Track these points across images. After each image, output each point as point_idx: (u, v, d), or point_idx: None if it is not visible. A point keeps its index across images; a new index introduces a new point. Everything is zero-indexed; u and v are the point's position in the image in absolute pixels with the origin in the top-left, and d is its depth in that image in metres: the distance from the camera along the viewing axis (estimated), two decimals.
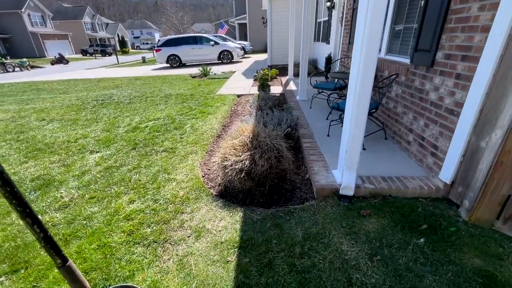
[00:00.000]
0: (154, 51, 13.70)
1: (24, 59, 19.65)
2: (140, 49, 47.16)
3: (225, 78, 8.90)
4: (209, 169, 3.11)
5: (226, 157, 2.49)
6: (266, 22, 11.91)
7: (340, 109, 3.10)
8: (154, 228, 2.11)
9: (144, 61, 18.97)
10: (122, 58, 25.40)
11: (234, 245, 1.90)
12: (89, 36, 43.49)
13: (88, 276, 1.70)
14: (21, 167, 3.21)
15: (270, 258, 1.76)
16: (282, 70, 9.26)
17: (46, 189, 2.71)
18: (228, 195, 2.55)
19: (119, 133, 4.19)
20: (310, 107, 4.56)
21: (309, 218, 2.10)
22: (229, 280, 1.63)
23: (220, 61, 13.53)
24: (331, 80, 4.67)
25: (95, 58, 29.33)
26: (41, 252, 1.91)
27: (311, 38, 4.77)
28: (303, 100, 5.08)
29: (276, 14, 9.84)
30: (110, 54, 31.93)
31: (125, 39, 43.87)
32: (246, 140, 2.49)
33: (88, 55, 33.22)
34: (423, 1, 2.55)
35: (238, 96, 6.37)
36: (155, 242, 1.97)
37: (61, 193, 2.64)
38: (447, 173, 2.16)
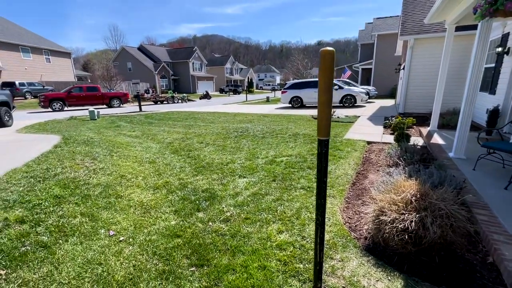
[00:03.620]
0: (281, 92, 15.29)
1: (185, 94, 26.38)
2: (263, 89, 54.32)
3: (350, 122, 8.79)
4: (349, 218, 3.01)
5: (383, 212, 2.35)
6: (400, 69, 11.26)
7: None
8: (307, 266, 2.17)
9: (268, 100, 21.55)
10: (249, 97, 29.89)
11: None
12: (227, 78, 54.24)
13: None
14: (194, 179, 4.13)
15: None
16: (418, 119, 8.28)
17: (212, 201, 3.34)
18: (378, 253, 2.34)
19: (259, 164, 4.76)
20: (474, 169, 3.76)
21: None
22: None
23: (341, 105, 13.62)
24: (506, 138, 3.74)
25: (229, 96, 35.91)
26: (216, 256, 2.30)
27: (478, 86, 4.08)
28: (459, 159, 4.28)
29: (417, 60, 9.17)
30: (239, 93, 38.42)
31: (253, 80, 51.88)
32: (410, 197, 2.28)
33: (224, 92, 41.20)
34: None
35: (369, 143, 6.08)
36: (310, 281, 2.01)
37: (223, 208, 3.19)
38: None
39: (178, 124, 10.06)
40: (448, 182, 2.97)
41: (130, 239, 2.44)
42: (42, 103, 16.37)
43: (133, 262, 2.15)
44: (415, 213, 2.15)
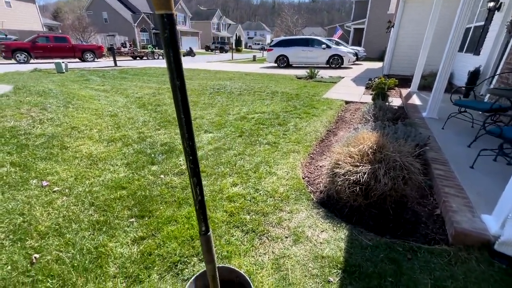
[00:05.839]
0: (266, 51, 14.45)
1: None
2: (252, 48, 51.49)
3: (332, 82, 8.48)
4: (310, 173, 2.92)
5: (338, 164, 2.23)
6: (390, 26, 10.68)
7: (505, 136, 2.31)
8: (253, 217, 2.09)
9: (254, 59, 20.51)
10: (236, 56, 28.32)
11: (337, 265, 1.64)
12: (213, 34, 50.66)
13: (193, 243, 1.80)
14: (155, 133, 3.87)
15: None
16: (401, 81, 8.07)
17: (170, 155, 3.15)
18: (331, 206, 2.28)
19: (229, 120, 4.52)
20: (443, 128, 3.69)
21: (441, 267, 1.61)
22: None
23: (328, 66, 13.09)
24: (482, 98, 3.63)
25: (215, 54, 33.88)
26: (160, 207, 2.17)
27: (457, 47, 3.82)
28: (431, 118, 4.19)
29: (408, 16, 8.62)
30: (226, 51, 36.25)
31: (241, 38, 48.81)
32: (367, 150, 2.16)
33: (209, 50, 38.77)
34: None
35: (347, 102, 5.90)
36: (253, 231, 1.94)
37: (180, 161, 3.01)
38: None
39: (153, 79, 9.41)
40: (412, 138, 2.88)
41: (66, 190, 2.25)
42: (3, 54, 14.78)
43: (64, 213, 1.98)
44: (369, 165, 2.04)
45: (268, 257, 1.72)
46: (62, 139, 3.13)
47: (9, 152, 2.56)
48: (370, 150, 2.14)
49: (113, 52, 14.66)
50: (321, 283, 1.53)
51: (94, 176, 2.55)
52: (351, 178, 2.06)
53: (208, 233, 0.80)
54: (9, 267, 1.48)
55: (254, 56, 21.14)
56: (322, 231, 1.95)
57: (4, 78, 8.08)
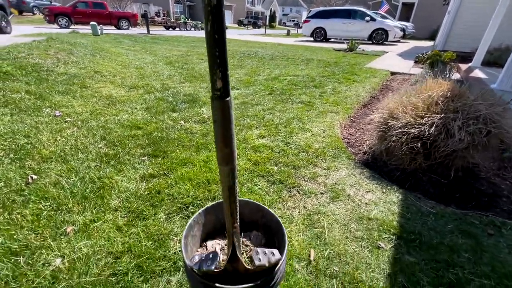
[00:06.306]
0: (302, 23, 13.49)
1: (199, 22, 24.18)
2: (286, 25, 49.18)
3: (376, 55, 7.60)
4: (350, 135, 2.48)
5: (393, 116, 1.78)
6: None
7: None
8: (282, 168, 1.74)
9: (288, 34, 19.43)
10: (269, 31, 27.14)
11: (389, 230, 1.26)
12: (247, 9, 48.90)
13: (209, 186, 1.52)
14: (180, 85, 3.61)
15: (458, 276, 1.03)
16: (458, 58, 6.98)
17: (192, 104, 2.87)
18: (377, 168, 1.86)
19: (258, 79, 4.13)
20: None
21: None
22: (380, 274, 1.04)
23: (370, 41, 11.87)
24: None
25: (247, 29, 32.79)
26: (177, 150, 1.91)
27: None
28: (503, 91, 3.44)
29: None
30: (259, 27, 34.93)
31: (276, 14, 46.69)
32: (436, 98, 1.67)
33: (242, 25, 37.61)
34: None
35: (393, 73, 5.18)
36: (281, 183, 1.60)
37: (203, 111, 2.72)
38: None
39: (182, 45, 9.18)
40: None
41: (79, 122, 2.06)
42: (47, 18, 15.43)
43: (72, 142, 1.79)
44: (439, 116, 1.57)
45: (299, 212, 1.38)
46: (84, 79, 2.98)
47: (27, 82, 2.43)
48: (441, 98, 1.66)
49: (146, 19, 14.60)
50: (368, 247, 1.17)
51: (110, 114, 2.35)
52: (412, 132, 1.61)
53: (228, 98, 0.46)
54: (2, 183, 1.30)
55: (288, 31, 20.06)
56: (367, 192, 1.56)
57: (44, 35, 8.32)
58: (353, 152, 2.12)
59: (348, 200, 1.48)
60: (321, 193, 1.53)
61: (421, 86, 1.93)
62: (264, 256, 0.66)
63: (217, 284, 0.62)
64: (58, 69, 3.01)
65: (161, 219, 1.28)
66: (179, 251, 1.12)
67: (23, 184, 1.33)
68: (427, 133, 1.55)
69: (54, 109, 2.13)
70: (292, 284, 0.99)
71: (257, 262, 0.65)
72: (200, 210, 0.85)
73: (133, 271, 1.02)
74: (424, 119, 1.60)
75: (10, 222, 1.13)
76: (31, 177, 1.37)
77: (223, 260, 0.74)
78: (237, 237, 0.65)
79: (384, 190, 1.57)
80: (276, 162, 1.81)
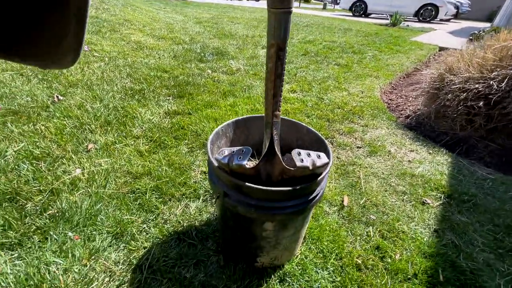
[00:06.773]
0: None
1: None
2: (321, 1, 46.10)
3: (422, 31, 6.85)
4: (391, 100, 2.23)
5: (451, 71, 1.52)
6: None
7: None
8: (314, 120, 1.59)
9: (324, 7, 18.16)
10: (303, 5, 25.59)
11: (436, 188, 1.10)
12: None
13: None
14: (209, 41, 3.45)
15: None
16: None
17: (220, 57, 2.73)
18: (421, 132, 1.65)
19: (292, 42, 3.86)
20: None
21: None
22: (425, 228, 0.90)
23: (416, 18, 10.72)
24: None
25: None
26: (203, 94, 1.81)
27: None
28: None
29: None
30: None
31: None
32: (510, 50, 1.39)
33: None
34: None
35: (441, 49, 4.63)
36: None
37: (231, 63, 2.57)
38: None
39: (213, 9, 8.86)
40: None
41: (106, 59, 2.01)
42: None
43: (99, 74, 1.74)
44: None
45: (332, 161, 1.25)
46: (114, 25, 2.92)
47: None
48: None
49: None
50: (410, 202, 1.02)
51: (138, 56, 2.28)
52: (474, 88, 1.36)
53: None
54: (29, 98, 1.28)
55: (325, 4, 18.71)
56: (410, 151, 1.37)
57: None
58: (395, 116, 1.90)
59: (388, 156, 1.31)
60: (358, 147, 1.37)
61: (487, 41, 1.63)
62: (307, 157, 0.54)
63: (247, 184, 0.52)
64: (89, 12, 2.97)
65: (183, 151, 1.21)
66: (200, 180, 1.04)
67: (49, 102, 1.30)
68: (495, 88, 1.30)
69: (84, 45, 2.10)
70: (323, 224, 0.88)
71: (298, 163, 0.53)
72: (229, 121, 0.74)
73: (152, 191, 0.96)
74: (494, 73, 1.35)
75: (34, 131, 1.10)
76: (57, 97, 1.34)
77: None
78: (277, 129, 0.53)
79: (431, 151, 1.38)
80: (308, 114, 1.66)
